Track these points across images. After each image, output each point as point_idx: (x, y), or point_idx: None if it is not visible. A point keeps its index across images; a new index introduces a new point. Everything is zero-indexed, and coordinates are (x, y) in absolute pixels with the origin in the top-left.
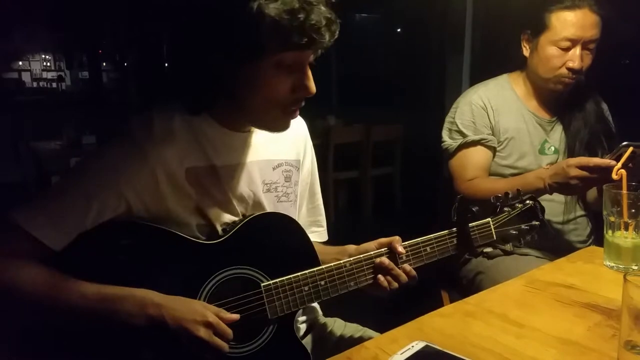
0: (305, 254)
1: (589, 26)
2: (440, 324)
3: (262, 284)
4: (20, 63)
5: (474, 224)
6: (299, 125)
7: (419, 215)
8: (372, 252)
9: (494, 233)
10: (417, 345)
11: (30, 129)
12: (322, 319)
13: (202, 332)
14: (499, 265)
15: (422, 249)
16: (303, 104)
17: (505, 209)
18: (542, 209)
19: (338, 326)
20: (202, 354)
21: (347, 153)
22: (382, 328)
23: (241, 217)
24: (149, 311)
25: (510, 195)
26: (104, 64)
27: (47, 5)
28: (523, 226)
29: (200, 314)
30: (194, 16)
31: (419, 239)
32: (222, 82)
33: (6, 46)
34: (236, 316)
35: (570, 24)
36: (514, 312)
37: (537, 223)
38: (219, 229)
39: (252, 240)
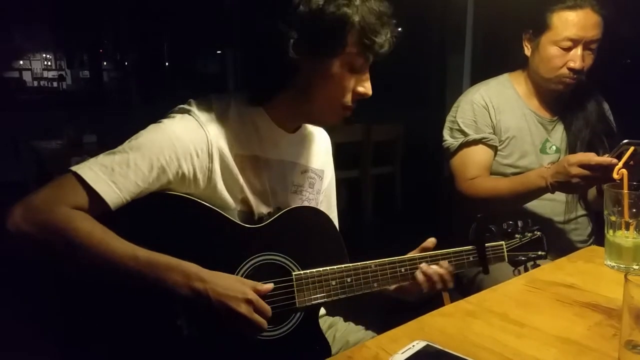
0: (336, 250)
1: (590, 26)
2: (441, 323)
3: (294, 273)
4: (21, 62)
5: (489, 244)
6: (324, 139)
7: (419, 215)
8: (396, 258)
9: (506, 255)
10: (418, 345)
11: (31, 128)
12: (324, 318)
13: (244, 309)
14: (500, 265)
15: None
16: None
17: (517, 235)
18: (548, 241)
19: (339, 325)
20: (243, 330)
21: (347, 152)
22: (383, 327)
23: (274, 209)
24: (194, 284)
25: (520, 224)
26: (105, 63)
27: (47, 4)
28: (530, 254)
29: (242, 291)
30: (282, 6)
31: (438, 251)
32: (295, 74)
33: (7, 45)
34: (270, 285)
35: (572, 24)
36: (515, 312)
37: (543, 253)
38: (256, 217)
39: (288, 230)
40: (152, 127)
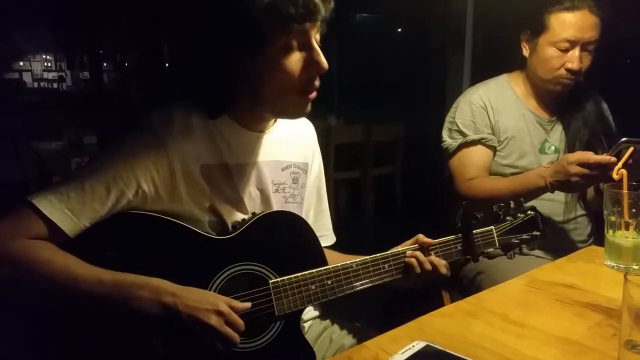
0: (314, 253)
1: (588, 27)
2: (441, 323)
3: (270, 281)
4: (21, 63)
5: (477, 230)
6: (307, 130)
7: (420, 215)
8: (379, 255)
9: (496, 240)
10: (418, 345)
11: (31, 129)
12: (323, 318)
13: (214, 320)
14: (500, 265)
15: (427, 254)
16: (318, 84)
17: (508, 218)
18: (543, 219)
19: (339, 326)
20: (213, 343)
21: (347, 153)
22: (382, 328)
23: (250, 215)
24: (163, 299)
25: (512, 205)
26: (105, 64)
27: (47, 5)
28: (524, 235)
29: (212, 302)
30: (194, 20)
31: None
32: (236, 80)
33: (7, 46)
34: (247, 305)
35: (570, 25)
36: (515, 312)
37: (537, 233)
38: (229, 226)
39: (262, 238)
40: (110, 148)
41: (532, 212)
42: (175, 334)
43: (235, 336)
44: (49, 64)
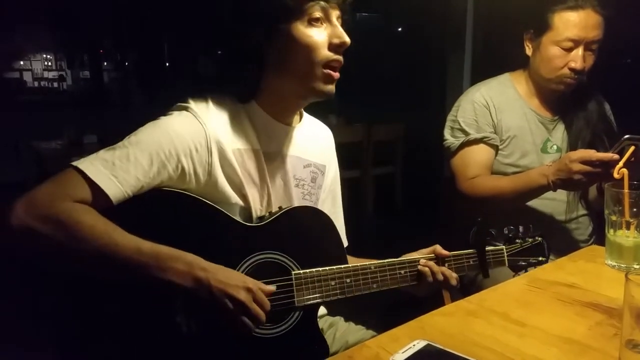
0: (336, 251)
1: (591, 27)
2: (442, 323)
3: (293, 272)
4: (22, 63)
5: (489, 248)
6: (328, 135)
7: (420, 214)
8: (396, 259)
9: (506, 260)
10: (419, 344)
11: (32, 128)
12: (325, 317)
13: (243, 296)
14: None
15: (440, 264)
16: (341, 59)
17: (517, 240)
18: (549, 247)
19: (340, 325)
20: (240, 319)
21: (348, 152)
22: (383, 327)
23: (273, 205)
24: (196, 273)
25: (521, 229)
26: (105, 63)
27: (48, 4)
28: (531, 259)
29: (242, 280)
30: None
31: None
32: (262, 58)
33: (7, 46)
34: (273, 287)
35: (573, 24)
36: (516, 311)
37: (543, 259)
38: (254, 214)
39: (289, 229)
40: (150, 124)
41: (540, 239)
42: (204, 308)
43: (262, 314)
44: (50, 63)
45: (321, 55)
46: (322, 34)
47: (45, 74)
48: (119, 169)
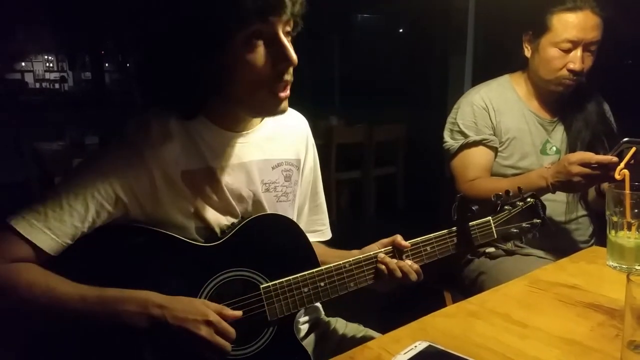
0: (305, 255)
1: (590, 28)
2: (443, 324)
3: (262, 286)
4: (23, 64)
5: (474, 222)
6: (299, 123)
7: (421, 215)
8: (371, 253)
9: (494, 232)
10: (420, 345)
11: (33, 129)
12: (325, 319)
13: (204, 331)
14: (502, 266)
15: (422, 249)
16: (291, 78)
17: (506, 207)
18: (544, 206)
19: (340, 326)
20: (204, 354)
21: (349, 153)
22: (384, 328)
23: (240, 218)
24: (150, 312)
25: (511, 194)
26: (107, 64)
27: (49, 6)
28: (524, 224)
29: (202, 312)
30: (156, 22)
31: (418, 238)
32: (205, 79)
33: (9, 47)
34: (238, 313)
35: (572, 25)
36: (517, 313)
37: (538, 221)
38: (218, 231)
39: (250, 242)
40: (83, 163)
41: (532, 200)
42: (165, 346)
43: (227, 345)
44: (51, 65)
45: (265, 78)
46: (265, 55)
47: (47, 75)
48: (52, 219)
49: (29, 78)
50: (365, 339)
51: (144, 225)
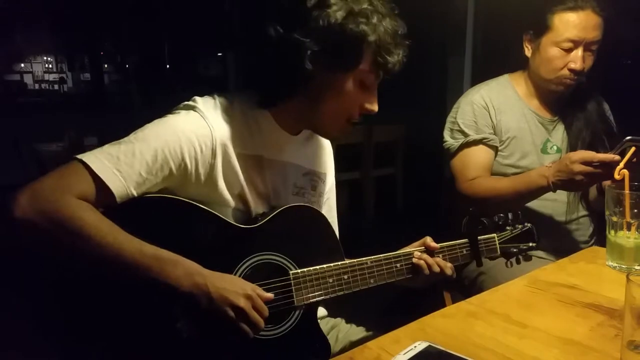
0: (332, 248)
1: (591, 28)
2: (443, 324)
3: (291, 272)
4: (22, 65)
5: (481, 237)
6: (326, 143)
7: (421, 216)
8: (392, 253)
9: (498, 248)
10: (420, 346)
11: (32, 130)
12: (326, 319)
13: (243, 303)
14: (501, 266)
15: (433, 256)
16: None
17: (507, 227)
18: (538, 233)
19: (341, 326)
20: (240, 325)
21: (348, 154)
22: (384, 328)
23: (272, 208)
24: (195, 278)
25: (510, 217)
26: (106, 65)
27: (48, 7)
28: (522, 245)
29: (241, 287)
30: (301, 17)
31: (444, 243)
32: (307, 84)
33: (8, 48)
34: (271, 295)
35: (573, 25)
36: (517, 313)
37: (533, 244)
38: (253, 216)
39: (284, 230)
40: (157, 121)
41: (529, 225)
42: (204, 313)
43: (261, 321)
44: (50, 66)
45: (350, 113)
46: (361, 95)
47: (46, 76)
48: (123, 163)
49: (28, 79)
50: (365, 339)
51: (190, 201)
